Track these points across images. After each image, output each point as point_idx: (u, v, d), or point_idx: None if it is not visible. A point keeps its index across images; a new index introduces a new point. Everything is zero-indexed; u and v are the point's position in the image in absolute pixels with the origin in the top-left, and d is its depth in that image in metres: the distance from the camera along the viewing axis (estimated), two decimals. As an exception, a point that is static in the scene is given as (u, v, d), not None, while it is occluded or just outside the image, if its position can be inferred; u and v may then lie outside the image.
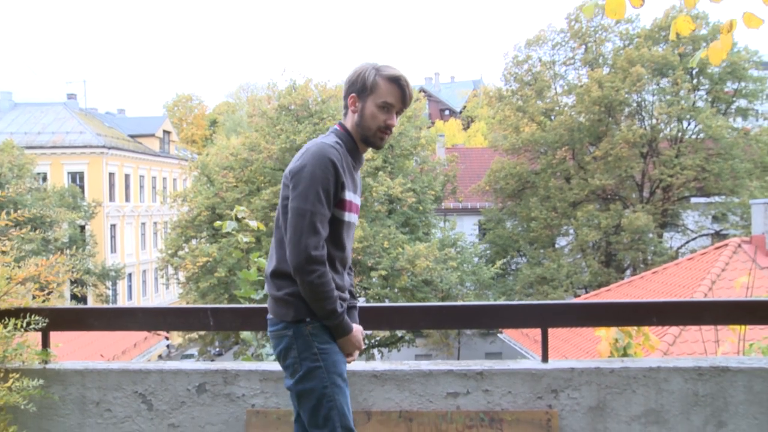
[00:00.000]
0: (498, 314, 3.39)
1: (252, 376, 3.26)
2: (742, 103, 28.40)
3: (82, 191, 32.83)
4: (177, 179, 42.86)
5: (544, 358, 3.31)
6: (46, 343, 3.38)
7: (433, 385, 3.21)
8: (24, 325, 3.20)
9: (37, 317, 3.23)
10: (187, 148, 47.97)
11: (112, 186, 36.43)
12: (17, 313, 3.22)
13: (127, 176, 37.92)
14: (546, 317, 3.34)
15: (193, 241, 26.34)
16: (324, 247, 2.55)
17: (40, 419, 3.26)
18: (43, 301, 3.39)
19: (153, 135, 42.19)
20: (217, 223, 4.66)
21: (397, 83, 2.69)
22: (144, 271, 38.87)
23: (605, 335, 5.12)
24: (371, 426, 3.18)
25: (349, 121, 2.74)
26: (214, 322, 3.35)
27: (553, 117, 27.90)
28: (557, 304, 3.42)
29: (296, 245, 2.52)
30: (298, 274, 2.53)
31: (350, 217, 2.70)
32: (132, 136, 41.02)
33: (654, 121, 27.24)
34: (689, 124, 27.20)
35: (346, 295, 2.77)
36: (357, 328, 2.71)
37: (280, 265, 2.63)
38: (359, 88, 2.70)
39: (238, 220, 4.68)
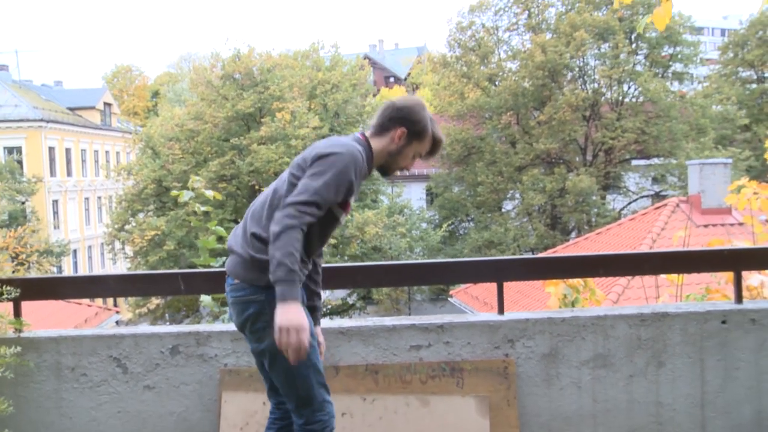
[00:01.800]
0: (457, 270, 3.59)
1: (223, 337, 3.39)
2: (678, 67, 29.29)
3: (21, 167, 31.87)
4: (120, 152, 41.90)
5: (500, 310, 3.53)
6: (18, 312, 3.44)
7: (397, 339, 3.40)
8: (-4, 295, 3.25)
9: (8, 287, 3.29)
10: (130, 121, 46.84)
11: (52, 161, 35.40)
12: (-12, 284, 3.27)
13: (68, 150, 36.90)
14: (501, 271, 3.57)
15: (140, 215, 26.00)
16: (311, 216, 2.52)
17: (16, 386, 3.34)
18: (13, 272, 3.44)
19: (93, 107, 41.03)
20: (174, 192, 4.72)
21: (439, 146, 2.84)
22: (90, 247, 38.13)
23: (554, 291, 5.42)
24: (339, 379, 3.36)
25: (379, 143, 2.76)
26: (185, 286, 3.46)
27: (497, 83, 28.28)
28: (511, 258, 3.65)
29: (297, 196, 2.50)
30: (280, 215, 2.48)
31: (343, 218, 2.76)
32: (71, 109, 39.80)
33: (596, 85, 27.91)
34: (629, 88, 27.95)
35: (306, 280, 2.76)
36: (301, 310, 2.49)
37: (266, 231, 2.59)
38: (416, 129, 2.75)
39: (194, 190, 4.75)
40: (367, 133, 2.79)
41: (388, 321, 3.45)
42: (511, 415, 3.36)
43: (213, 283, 3.51)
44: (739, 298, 3.55)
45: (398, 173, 2.89)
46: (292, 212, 2.47)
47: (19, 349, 3.20)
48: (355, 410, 3.33)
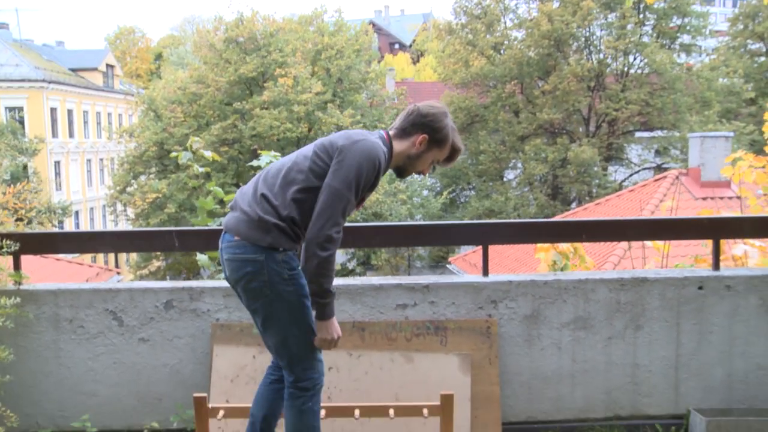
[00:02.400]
0: (445, 232, 3.70)
1: (216, 293, 3.51)
2: (686, 39, 29.02)
3: (23, 127, 31.84)
4: (123, 114, 41.79)
5: (485, 272, 3.64)
6: (17, 265, 3.56)
7: (384, 298, 3.52)
8: (-4, 248, 3.37)
9: (8, 242, 3.41)
10: (132, 83, 46.62)
11: (54, 122, 35.33)
12: (-11, 237, 3.38)
13: (70, 111, 36.81)
14: (486, 234, 3.67)
15: (142, 177, 26.09)
16: (341, 232, 2.67)
17: (16, 336, 3.47)
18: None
19: (96, 69, 40.80)
20: (173, 154, 4.80)
21: (457, 155, 2.91)
22: (92, 209, 38.27)
23: (544, 257, 5.52)
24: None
25: (400, 145, 2.84)
26: (179, 243, 3.57)
27: (502, 51, 28.09)
28: (497, 222, 3.74)
29: (324, 221, 2.61)
30: (314, 246, 2.61)
31: (354, 211, 2.86)
32: (73, 70, 39.59)
33: (601, 55, 27.70)
34: (635, 59, 27.74)
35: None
36: (336, 323, 2.79)
37: (276, 198, 2.68)
38: (437, 137, 2.82)
39: (193, 151, 4.82)
40: (391, 133, 2.87)
41: (376, 280, 3.57)
42: (492, 373, 3.49)
43: (206, 240, 3.62)
44: (716, 265, 3.65)
45: (418, 174, 2.96)
46: (318, 252, 2.60)
47: (18, 300, 3.32)
48: (341, 365, 3.46)
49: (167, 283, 3.56)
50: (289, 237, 2.70)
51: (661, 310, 3.56)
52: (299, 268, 2.73)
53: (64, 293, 3.53)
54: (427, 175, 2.99)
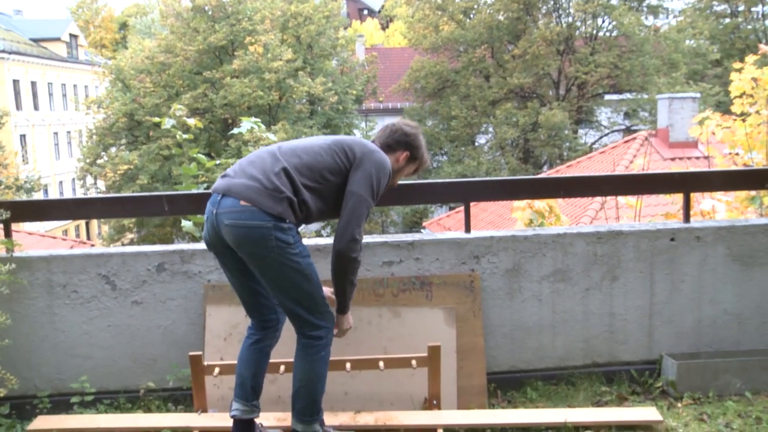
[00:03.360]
0: (427, 191, 3.81)
1: (207, 255, 3.59)
2: (653, 0, 29.19)
3: (-16, 100, 31.11)
4: (89, 86, 40.95)
5: (467, 229, 3.77)
6: (8, 233, 3.60)
7: (370, 256, 3.64)
8: (-13, 216, 3.41)
9: (-1, 209, 3.45)
10: (98, 53, 45.63)
11: (17, 94, 34.55)
12: (-21, 206, 3.42)
13: (33, 83, 35.97)
14: (468, 192, 3.79)
15: (112, 149, 25.75)
16: (362, 233, 2.98)
17: (11, 302, 3.53)
18: (4, 195, 3.58)
19: (59, 39, 39.87)
20: (156, 119, 4.82)
21: (422, 167, 3.29)
22: (61, 182, 37.73)
23: (520, 216, 5.68)
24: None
25: (389, 160, 3.11)
26: (169, 207, 3.64)
27: (472, 15, 28.01)
28: (477, 180, 3.87)
29: (353, 225, 2.89)
30: (343, 247, 2.89)
31: None
32: (34, 40, 38.62)
33: (570, 18, 27.77)
34: (603, 22, 27.87)
35: None
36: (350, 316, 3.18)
37: (293, 172, 2.87)
38: (416, 155, 3.19)
39: (176, 118, 4.85)
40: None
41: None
42: (476, 325, 3.64)
43: (196, 204, 3.69)
44: (687, 218, 3.82)
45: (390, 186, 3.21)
46: (348, 254, 2.91)
47: (13, 266, 3.38)
48: None
49: (159, 247, 3.63)
50: (296, 215, 2.88)
51: (635, 261, 3.73)
52: (300, 239, 2.92)
53: (56, 259, 3.59)
54: (396, 185, 3.32)
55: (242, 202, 2.81)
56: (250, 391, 3.08)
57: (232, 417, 3.09)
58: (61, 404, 3.62)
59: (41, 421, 3.44)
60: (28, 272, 3.56)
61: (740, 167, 5.18)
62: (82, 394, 3.62)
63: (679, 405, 3.53)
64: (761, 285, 3.77)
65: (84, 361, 3.64)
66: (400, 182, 3.38)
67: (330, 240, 3.65)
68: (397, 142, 3.15)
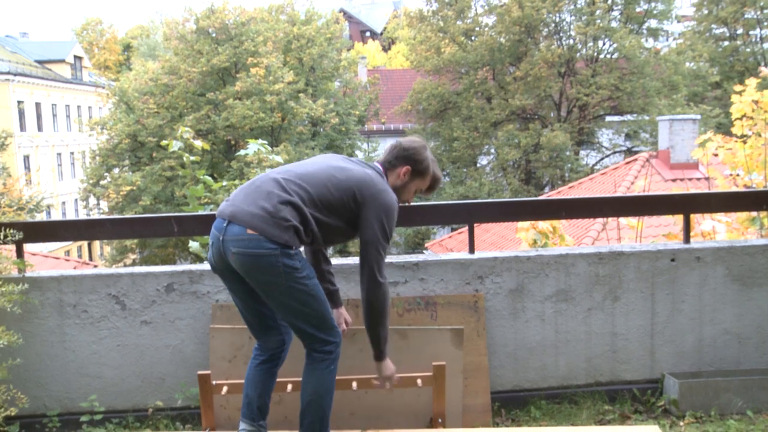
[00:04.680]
0: (432, 212, 3.88)
1: (215, 275, 3.60)
2: (653, 23, 29.49)
3: (-10, 121, 31.28)
4: (93, 107, 41.24)
5: (471, 250, 3.83)
6: (20, 253, 3.67)
7: (377, 277, 3.68)
8: (1, 238, 3.48)
9: (11, 230, 3.52)
10: (102, 75, 46.01)
11: (21, 115, 34.79)
12: (-8, 227, 3.48)
13: (38, 105, 36.24)
14: (472, 213, 3.86)
15: (115, 170, 25.91)
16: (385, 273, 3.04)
17: (21, 322, 3.59)
18: (13, 217, 3.66)
19: (63, 61, 40.22)
20: (164, 142, 4.90)
21: (437, 184, 3.31)
22: (64, 203, 37.86)
23: (524, 237, 5.75)
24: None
25: (392, 178, 3.20)
26: (178, 228, 3.70)
27: (474, 37, 28.27)
28: (481, 202, 3.94)
29: (373, 274, 2.98)
30: (371, 296, 3.00)
31: None
32: (39, 62, 38.96)
33: (572, 41, 28.03)
34: (604, 44, 28.13)
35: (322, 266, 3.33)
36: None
37: (294, 199, 2.91)
38: (419, 168, 3.21)
39: (184, 140, 4.93)
40: (387, 171, 3.21)
41: (368, 260, 3.73)
42: (480, 344, 3.69)
43: (204, 225, 3.74)
44: (687, 239, 3.89)
45: (402, 204, 3.28)
46: (377, 295, 3.01)
47: (25, 286, 3.44)
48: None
49: (168, 268, 3.69)
50: (302, 240, 2.95)
51: (636, 281, 3.79)
52: (306, 262, 2.99)
53: (67, 279, 3.65)
54: (411, 202, 3.34)
55: (249, 231, 2.85)
56: (256, 411, 3.13)
57: None
58: (70, 423, 3.66)
59: (51, 440, 3.48)
60: (39, 292, 3.63)
61: (739, 189, 5.24)
62: (91, 413, 3.66)
63: (682, 424, 3.57)
64: (760, 304, 3.82)
65: (93, 380, 3.69)
66: (405, 204, 3.42)
67: (336, 261, 3.73)
68: (396, 158, 3.20)
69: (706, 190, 5.18)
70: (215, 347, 3.63)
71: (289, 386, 3.38)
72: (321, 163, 3.11)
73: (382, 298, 3.02)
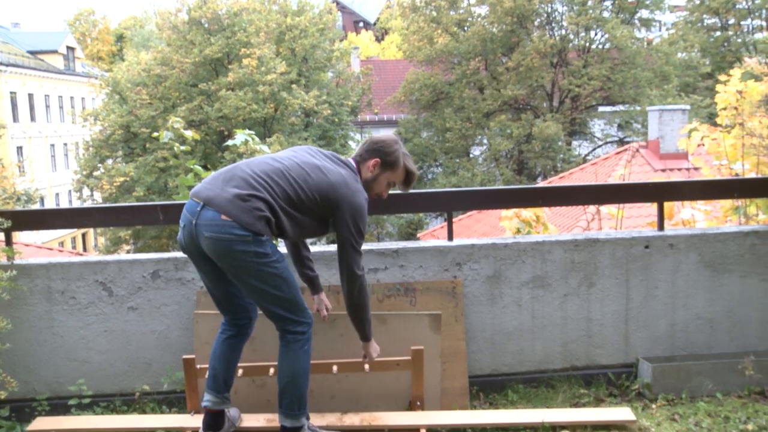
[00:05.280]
0: (411, 200, 3.95)
1: (200, 263, 3.73)
2: (645, 13, 29.54)
3: (-18, 112, 31.21)
4: (86, 98, 41.15)
5: (450, 237, 3.93)
6: (9, 241, 3.75)
7: (358, 264, 3.78)
8: (-11, 226, 3.56)
9: (0, 219, 3.59)
10: (95, 66, 45.83)
11: (14, 106, 34.68)
12: (-19, 216, 3.56)
13: (30, 95, 36.13)
14: (450, 202, 3.96)
15: (109, 161, 25.89)
16: (363, 268, 3.20)
17: (10, 308, 3.67)
18: (2, 206, 3.74)
19: (56, 51, 40.05)
20: (155, 133, 4.96)
21: (409, 176, 3.36)
22: (57, 194, 37.82)
23: (508, 225, 5.84)
24: (304, 299, 3.73)
25: (364, 171, 3.30)
26: (164, 217, 3.78)
27: (466, 28, 28.31)
28: (460, 190, 4.03)
29: (352, 267, 3.14)
30: (353, 285, 3.16)
31: None
32: (32, 53, 38.79)
33: (564, 31, 28.08)
34: (596, 34, 28.19)
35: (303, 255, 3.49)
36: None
37: (265, 195, 3.00)
38: (388, 160, 3.29)
39: (174, 130, 4.98)
40: (359, 163, 3.31)
41: (350, 247, 3.82)
42: (458, 329, 3.79)
43: (189, 214, 3.82)
44: (661, 226, 3.99)
45: (376, 197, 3.39)
46: (355, 289, 3.17)
47: (14, 273, 3.52)
48: (317, 329, 3.71)
49: (154, 255, 3.78)
50: (272, 231, 3.05)
51: (611, 268, 3.89)
52: (276, 247, 3.11)
53: (55, 267, 3.73)
54: (385, 196, 3.43)
55: (223, 217, 2.94)
56: (222, 384, 3.27)
57: (204, 407, 3.28)
58: (59, 407, 3.75)
59: (40, 423, 3.57)
60: (27, 279, 3.71)
61: (709, 177, 5.34)
62: (79, 397, 3.75)
63: (654, 406, 3.68)
64: (731, 290, 3.93)
65: (81, 365, 3.78)
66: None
67: (318, 248, 3.82)
68: (366, 151, 3.30)
69: (678, 179, 5.28)
70: (199, 332, 3.72)
71: (272, 370, 3.48)
72: (297, 158, 3.17)
73: (361, 289, 3.18)
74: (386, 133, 3.43)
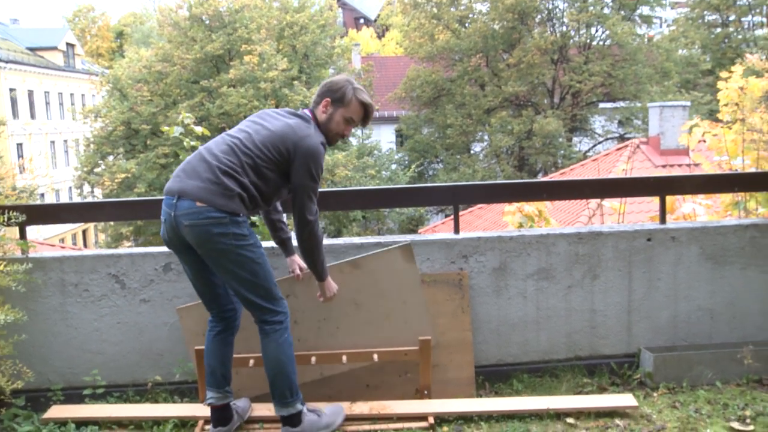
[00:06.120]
0: (418, 194, 4.04)
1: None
2: (646, 10, 29.58)
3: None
4: (86, 94, 41.18)
5: (456, 230, 4.00)
6: (23, 235, 3.82)
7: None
8: (5, 220, 3.63)
9: (15, 213, 3.67)
10: (94, 62, 45.86)
11: (14, 103, 34.72)
12: (-4, 210, 3.64)
13: (30, 92, 36.17)
14: (456, 195, 4.03)
15: (110, 158, 25.94)
16: (317, 212, 3.24)
17: (26, 300, 3.74)
18: (16, 200, 3.81)
19: (55, 48, 40.05)
20: (164, 128, 5.03)
21: (366, 108, 3.35)
22: (57, 191, 37.87)
23: (511, 220, 5.92)
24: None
25: (319, 115, 3.32)
26: (175, 210, 3.84)
27: (467, 24, 28.36)
28: (466, 184, 4.10)
29: (303, 212, 3.18)
30: (303, 229, 3.20)
31: None
32: (31, 49, 38.81)
33: (565, 28, 28.13)
34: (597, 31, 28.24)
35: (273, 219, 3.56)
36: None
37: (234, 168, 3.10)
38: (337, 96, 3.30)
39: (184, 125, 5.04)
40: (314, 111, 3.35)
41: (357, 240, 3.91)
42: (465, 320, 3.86)
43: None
44: (663, 219, 4.06)
45: (341, 141, 3.37)
46: (306, 229, 3.21)
47: (29, 266, 3.59)
48: (297, 292, 3.72)
49: (165, 249, 3.84)
50: (246, 207, 3.14)
51: (614, 260, 3.97)
52: (252, 231, 3.20)
53: (68, 260, 3.80)
54: (348, 136, 3.46)
55: (198, 203, 3.05)
56: (220, 379, 3.35)
57: (208, 405, 3.36)
58: (73, 397, 3.82)
59: (56, 411, 3.65)
60: (42, 272, 3.78)
61: (710, 172, 5.41)
62: (93, 387, 3.82)
63: (655, 394, 3.76)
64: (732, 282, 4.01)
65: (95, 356, 3.86)
66: (391, 186, 3.62)
67: (328, 241, 3.89)
68: (317, 95, 3.34)
69: (679, 174, 5.35)
70: (187, 326, 3.73)
71: (251, 361, 3.56)
72: (247, 127, 3.27)
73: (311, 233, 3.22)
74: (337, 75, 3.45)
